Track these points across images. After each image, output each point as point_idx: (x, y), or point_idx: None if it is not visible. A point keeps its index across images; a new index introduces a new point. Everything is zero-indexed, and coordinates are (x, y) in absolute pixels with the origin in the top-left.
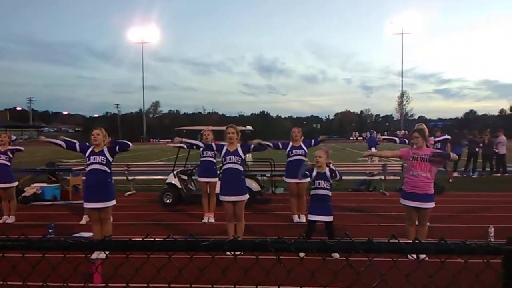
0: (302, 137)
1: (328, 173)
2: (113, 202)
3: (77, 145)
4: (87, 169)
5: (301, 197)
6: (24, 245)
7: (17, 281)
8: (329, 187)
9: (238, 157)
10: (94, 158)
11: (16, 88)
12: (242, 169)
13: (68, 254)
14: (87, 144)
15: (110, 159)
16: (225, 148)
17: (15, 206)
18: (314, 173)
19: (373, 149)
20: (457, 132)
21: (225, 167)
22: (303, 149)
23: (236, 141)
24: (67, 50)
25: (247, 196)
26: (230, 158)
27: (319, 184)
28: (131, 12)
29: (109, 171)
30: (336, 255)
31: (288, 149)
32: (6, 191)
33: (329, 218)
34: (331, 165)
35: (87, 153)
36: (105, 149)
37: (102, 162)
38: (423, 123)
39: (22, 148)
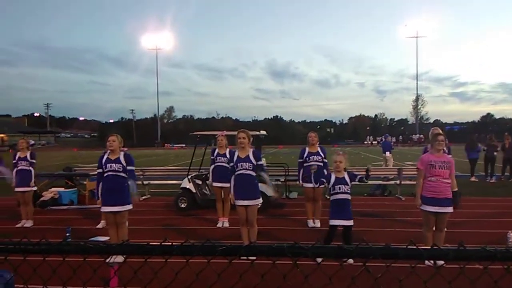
0: (318, 142)
1: (347, 178)
2: (130, 206)
3: (100, 176)
4: (104, 175)
5: (317, 202)
6: (45, 249)
7: (38, 284)
8: (348, 191)
9: (249, 164)
10: (111, 165)
11: (33, 94)
12: (254, 174)
13: (88, 257)
14: (101, 156)
15: (126, 166)
16: (236, 155)
17: (32, 210)
18: (333, 178)
19: (387, 154)
20: (472, 135)
21: (237, 173)
22: (320, 155)
23: (247, 146)
24: (82, 56)
25: (260, 201)
26: (241, 164)
27: (339, 189)
28: (144, 19)
29: (125, 176)
30: (351, 260)
31: (304, 156)
32: (23, 195)
33: (350, 222)
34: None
35: (103, 161)
36: (121, 156)
37: (119, 169)
38: (438, 127)
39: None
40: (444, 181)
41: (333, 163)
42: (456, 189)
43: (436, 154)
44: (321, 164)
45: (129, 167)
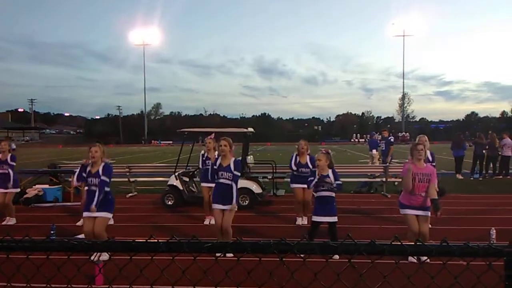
0: (309, 151)
1: (331, 175)
2: (109, 215)
3: (82, 176)
4: (86, 187)
5: (307, 202)
6: (28, 246)
7: (21, 283)
8: (332, 189)
9: (229, 173)
10: (91, 180)
11: (17, 90)
12: (233, 184)
13: (72, 255)
14: (83, 167)
15: (106, 180)
16: (218, 162)
17: (13, 209)
18: (317, 176)
19: (374, 151)
20: (458, 134)
21: (217, 181)
22: (308, 167)
23: (229, 154)
24: (67, 51)
25: (236, 207)
26: (222, 173)
27: (322, 187)
28: (132, 14)
29: (108, 189)
30: (336, 256)
31: (294, 165)
32: (4, 196)
33: (333, 219)
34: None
35: (86, 174)
36: (100, 168)
37: (98, 183)
38: (423, 127)
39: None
40: (422, 195)
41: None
42: (435, 198)
43: (417, 164)
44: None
45: (103, 177)
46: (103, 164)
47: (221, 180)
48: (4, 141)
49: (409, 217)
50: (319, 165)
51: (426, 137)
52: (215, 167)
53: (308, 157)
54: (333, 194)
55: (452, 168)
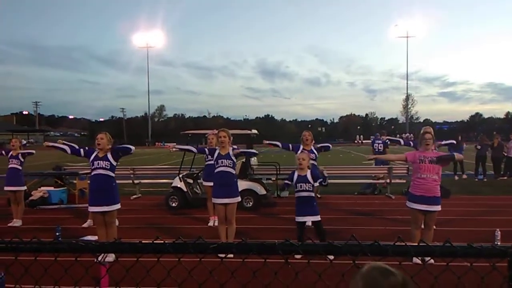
0: (313, 141)
1: (309, 176)
2: (118, 206)
3: (82, 150)
4: (92, 173)
5: None
6: (36, 247)
7: (29, 284)
8: (311, 189)
9: (229, 161)
10: (98, 163)
11: (21, 92)
12: (234, 172)
13: (80, 256)
14: (92, 148)
15: (114, 163)
16: (217, 152)
17: (23, 209)
18: (296, 176)
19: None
20: (457, 134)
21: (217, 170)
22: (314, 153)
23: (227, 144)
24: (71, 54)
25: (238, 199)
26: (222, 161)
27: (301, 187)
28: (134, 17)
29: (113, 175)
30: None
31: (298, 152)
32: (15, 194)
33: (316, 218)
34: (324, 172)
35: (91, 158)
36: (109, 154)
37: (106, 167)
38: (430, 126)
39: (33, 151)
40: (433, 178)
41: (296, 160)
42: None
43: (426, 151)
44: (315, 162)
45: (119, 151)
46: (110, 151)
47: (221, 168)
48: (15, 138)
49: (414, 211)
50: (302, 164)
51: (431, 128)
52: (215, 156)
53: (313, 147)
54: (312, 194)
55: (451, 169)
